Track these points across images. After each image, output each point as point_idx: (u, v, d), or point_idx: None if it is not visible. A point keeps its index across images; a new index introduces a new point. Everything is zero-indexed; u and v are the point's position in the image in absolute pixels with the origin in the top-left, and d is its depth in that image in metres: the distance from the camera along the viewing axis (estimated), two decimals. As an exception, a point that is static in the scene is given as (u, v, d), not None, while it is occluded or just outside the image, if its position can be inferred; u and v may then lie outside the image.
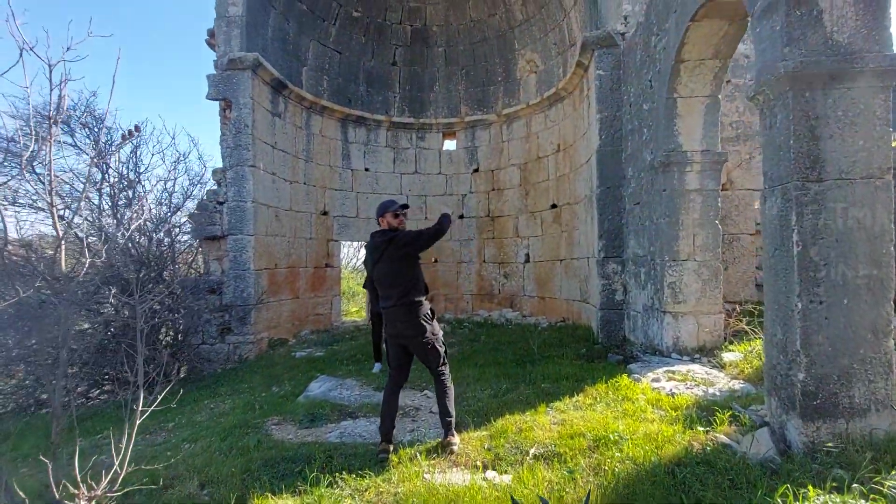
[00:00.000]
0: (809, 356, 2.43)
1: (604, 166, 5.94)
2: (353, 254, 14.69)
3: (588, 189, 6.59)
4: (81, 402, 5.52)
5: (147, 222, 5.92)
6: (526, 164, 8.70)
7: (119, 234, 6.01)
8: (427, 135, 9.42)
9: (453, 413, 2.97)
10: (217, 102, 6.65)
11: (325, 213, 8.47)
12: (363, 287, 3.43)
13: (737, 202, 5.86)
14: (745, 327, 4.39)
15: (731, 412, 2.94)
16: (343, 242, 9.30)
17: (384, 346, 3.33)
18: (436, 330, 3.02)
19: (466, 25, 8.92)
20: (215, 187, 6.60)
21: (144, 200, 6.10)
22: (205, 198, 6.60)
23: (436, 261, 9.45)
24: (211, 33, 6.61)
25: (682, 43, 4.03)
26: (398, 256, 2.93)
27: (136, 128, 8.00)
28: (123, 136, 7.83)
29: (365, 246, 3.24)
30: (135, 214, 5.80)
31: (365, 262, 3.26)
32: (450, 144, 9.60)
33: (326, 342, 7.06)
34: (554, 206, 8.12)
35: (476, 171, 9.35)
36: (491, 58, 8.99)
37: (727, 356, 4.00)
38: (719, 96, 4.39)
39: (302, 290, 7.87)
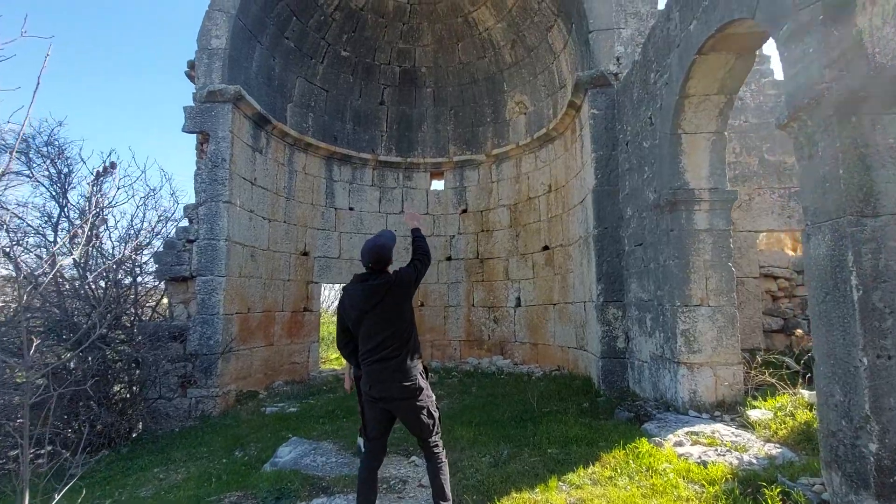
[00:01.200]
0: (882, 423, 2.03)
1: (600, 206, 5.68)
2: (333, 297, 14.05)
3: (583, 230, 6.31)
4: (10, 469, 4.72)
5: (106, 261, 5.37)
6: (516, 204, 8.46)
7: (75, 274, 5.43)
8: (414, 174, 9.18)
9: (450, 496, 2.43)
10: (194, 136, 6.30)
11: (305, 254, 8.00)
12: (338, 346, 2.65)
13: (739, 244, 5.62)
14: (771, 380, 3.99)
15: (779, 487, 2.48)
16: (324, 285, 8.78)
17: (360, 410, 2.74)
18: (430, 392, 2.53)
19: (455, 67, 8.91)
20: (186, 224, 6.12)
21: (105, 238, 5.57)
22: (173, 235, 6.10)
23: (422, 304, 8.96)
24: (191, 65, 6.34)
25: (687, 77, 3.86)
26: (400, 299, 2.48)
27: (112, 164, 7.57)
28: (98, 173, 7.37)
29: (344, 293, 2.54)
30: (91, 252, 5.25)
31: (343, 315, 2.56)
32: (438, 184, 9.36)
33: (301, 395, 6.39)
34: (546, 247, 7.82)
35: (465, 211, 9.07)
36: (480, 99, 8.94)
37: (754, 414, 3.57)
38: (724, 133, 4.20)
39: (277, 336, 7.25)
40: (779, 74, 6.10)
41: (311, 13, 7.53)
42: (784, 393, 3.77)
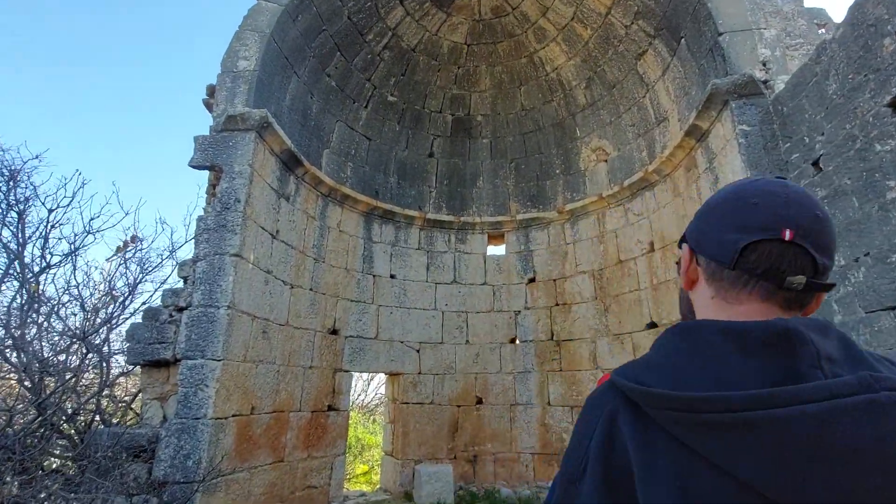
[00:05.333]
0: None
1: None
2: (361, 388, 11.85)
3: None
4: None
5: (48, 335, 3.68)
6: (601, 270, 6.64)
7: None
8: (468, 236, 7.58)
9: None
10: (205, 174, 4.92)
11: (334, 332, 6.19)
12: None
13: None
14: None
15: None
16: (354, 374, 6.84)
17: None
18: None
19: (517, 114, 7.68)
20: (179, 286, 4.49)
21: (52, 303, 3.94)
22: (158, 303, 4.44)
23: (479, 402, 6.85)
24: (210, 90, 5.15)
25: None
26: None
27: (133, 238, 6.29)
28: (119, 248, 6.05)
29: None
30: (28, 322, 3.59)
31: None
32: (496, 249, 7.70)
33: (319, 546, 4.21)
34: (653, 324, 5.83)
35: (532, 280, 7.27)
36: (546, 148, 7.57)
37: None
38: None
39: (290, 447, 5.21)
40: None
41: (358, 49, 6.52)
42: None
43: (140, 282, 4.51)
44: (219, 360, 4.16)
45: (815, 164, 3.63)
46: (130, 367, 4.41)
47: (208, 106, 5.22)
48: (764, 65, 4.33)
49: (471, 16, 6.90)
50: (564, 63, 6.98)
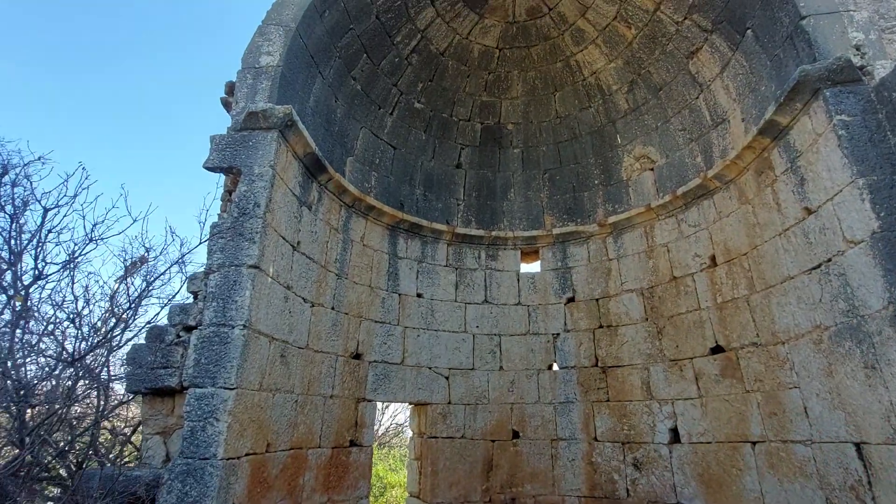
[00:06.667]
0: None
1: (900, 264, 3.19)
2: (387, 419, 11.03)
3: (834, 315, 3.73)
4: None
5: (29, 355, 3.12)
6: (652, 288, 6.00)
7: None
8: (500, 252, 7.00)
9: None
10: (221, 177, 4.43)
11: (357, 356, 5.57)
12: None
13: None
14: None
15: None
16: (378, 403, 6.17)
17: None
18: None
19: (551, 122, 7.20)
20: (188, 301, 3.94)
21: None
22: (166, 322, 3.88)
23: (516, 436, 6.13)
24: (230, 88, 4.72)
25: None
26: None
27: (143, 259, 5.82)
28: (127, 269, 5.57)
29: None
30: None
31: None
32: (530, 266, 7.10)
33: None
34: (718, 349, 5.15)
35: (572, 300, 6.63)
36: (583, 157, 7.04)
37: None
38: None
39: (308, 490, 4.52)
40: None
41: (385, 52, 6.11)
42: None
43: (145, 295, 3.94)
44: (232, 389, 3.56)
45: (948, 154, 3.04)
46: (131, 396, 3.82)
47: (227, 105, 4.77)
48: (858, 49, 3.79)
49: (504, 17, 6.50)
50: (604, 66, 6.51)
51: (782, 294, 4.39)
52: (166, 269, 3.61)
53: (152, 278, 3.95)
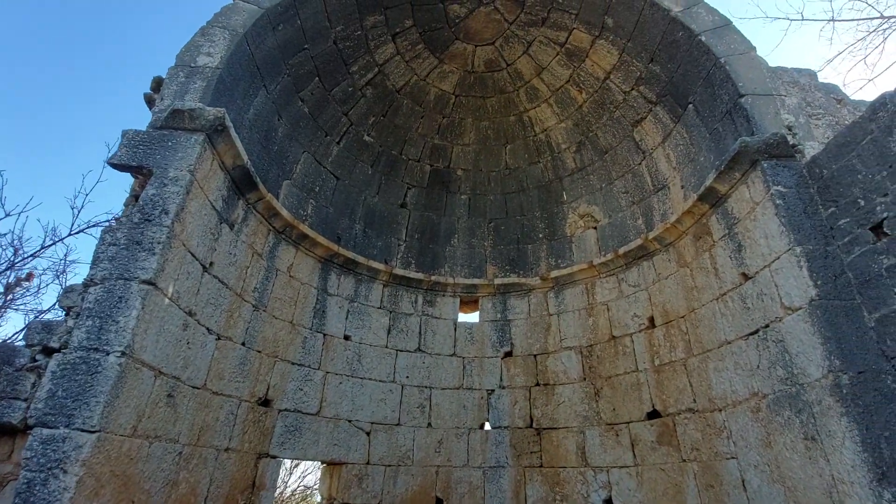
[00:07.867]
0: None
1: (838, 334, 3.20)
2: (294, 481, 9.72)
3: (771, 383, 3.68)
4: None
5: None
6: (591, 346, 5.85)
7: None
8: (439, 298, 6.64)
9: None
10: (129, 178, 3.79)
11: (265, 402, 4.81)
12: None
13: None
14: None
15: None
16: (284, 460, 5.32)
17: None
18: None
19: (500, 173, 7.21)
20: (60, 317, 3.16)
21: None
22: (19, 339, 3.06)
23: (439, 502, 5.49)
24: (157, 84, 4.18)
25: None
26: None
27: (29, 276, 4.89)
28: (8, 287, 4.59)
29: None
30: None
31: None
32: (469, 317, 6.78)
33: None
34: (655, 413, 4.99)
35: (509, 354, 6.32)
36: (530, 210, 7.04)
37: None
38: None
39: (180, 570, 3.60)
40: None
41: (339, 79, 5.89)
42: None
43: (2, 306, 3.12)
44: (93, 432, 2.79)
45: (876, 228, 3.18)
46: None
47: (150, 102, 4.22)
48: (790, 129, 4.06)
49: (463, 66, 6.58)
50: (555, 125, 6.70)
51: (719, 359, 4.35)
52: (23, 276, 2.87)
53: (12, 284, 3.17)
